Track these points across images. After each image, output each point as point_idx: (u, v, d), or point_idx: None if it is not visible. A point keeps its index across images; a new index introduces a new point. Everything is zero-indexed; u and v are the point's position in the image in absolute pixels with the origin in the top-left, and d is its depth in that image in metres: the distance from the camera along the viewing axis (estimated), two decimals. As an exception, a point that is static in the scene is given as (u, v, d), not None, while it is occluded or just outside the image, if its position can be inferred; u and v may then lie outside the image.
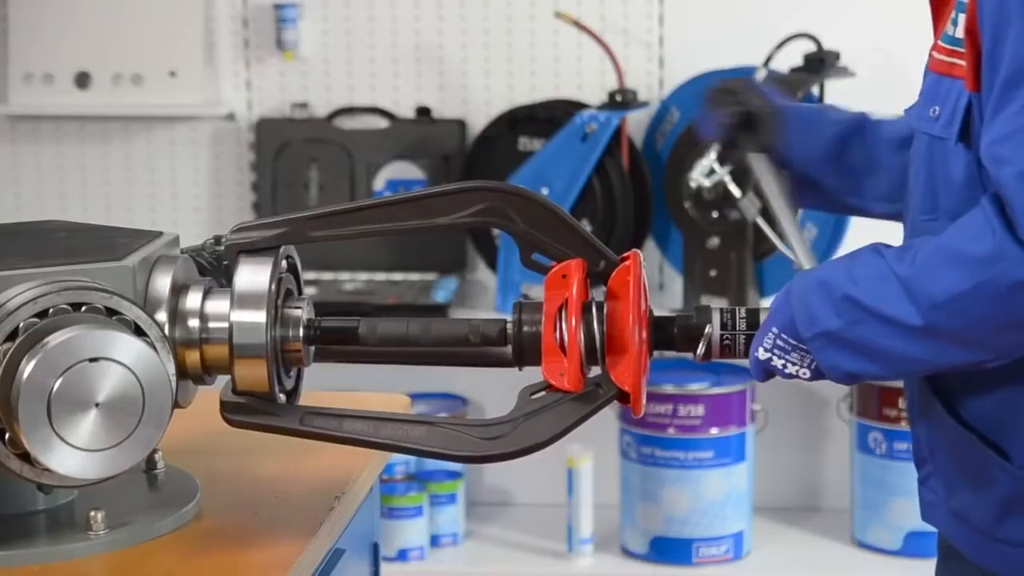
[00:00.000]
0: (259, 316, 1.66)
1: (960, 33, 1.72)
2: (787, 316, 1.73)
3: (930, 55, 1.82)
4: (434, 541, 3.80)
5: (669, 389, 3.65)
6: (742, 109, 2.03)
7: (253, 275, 1.68)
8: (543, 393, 1.70)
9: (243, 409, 1.68)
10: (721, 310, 1.78)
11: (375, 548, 2.10)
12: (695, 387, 3.66)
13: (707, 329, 1.77)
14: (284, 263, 1.72)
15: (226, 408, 1.69)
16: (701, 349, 1.77)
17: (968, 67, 1.70)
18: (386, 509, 3.68)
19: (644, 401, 1.72)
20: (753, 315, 1.77)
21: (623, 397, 1.71)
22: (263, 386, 1.67)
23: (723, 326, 1.77)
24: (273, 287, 1.68)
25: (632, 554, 3.73)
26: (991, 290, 1.62)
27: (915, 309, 1.65)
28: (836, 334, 1.70)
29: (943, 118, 1.75)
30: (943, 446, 1.82)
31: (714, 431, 3.66)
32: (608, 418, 3.73)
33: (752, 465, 3.72)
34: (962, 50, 1.72)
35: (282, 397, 1.70)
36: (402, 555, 3.73)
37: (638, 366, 1.70)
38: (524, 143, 3.85)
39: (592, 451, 3.71)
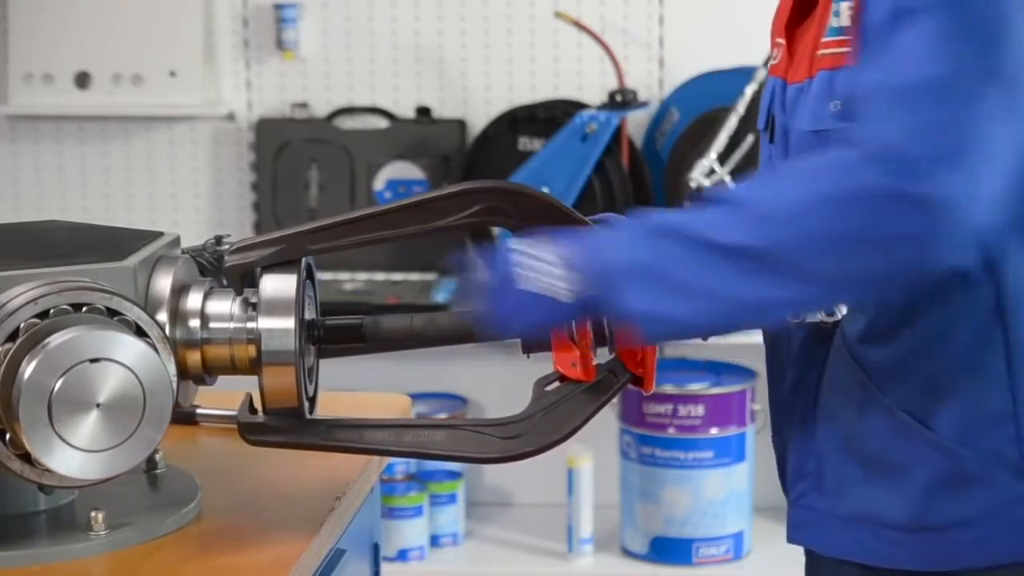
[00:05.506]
0: (288, 323, 1.66)
1: (845, 21, 1.71)
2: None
3: (792, 58, 1.80)
4: (434, 541, 3.80)
5: (669, 389, 3.65)
6: None
7: (279, 283, 1.67)
8: (556, 384, 1.69)
9: (263, 429, 1.67)
10: None
11: (376, 548, 2.10)
12: (695, 387, 3.66)
13: None
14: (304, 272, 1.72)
15: (245, 429, 1.68)
16: None
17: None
18: (386, 509, 3.68)
19: (655, 378, 1.72)
20: None
21: (636, 380, 1.71)
22: (290, 392, 1.66)
23: None
24: (299, 294, 1.67)
25: (632, 554, 3.73)
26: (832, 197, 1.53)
27: (753, 230, 1.55)
28: (636, 266, 1.58)
29: (847, 107, 1.68)
30: (839, 449, 1.77)
31: (714, 431, 3.66)
32: (608, 418, 3.72)
33: (752, 465, 3.72)
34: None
35: (306, 404, 1.70)
36: (402, 555, 3.73)
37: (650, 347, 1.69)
38: (524, 143, 3.85)
39: (592, 451, 3.71)
